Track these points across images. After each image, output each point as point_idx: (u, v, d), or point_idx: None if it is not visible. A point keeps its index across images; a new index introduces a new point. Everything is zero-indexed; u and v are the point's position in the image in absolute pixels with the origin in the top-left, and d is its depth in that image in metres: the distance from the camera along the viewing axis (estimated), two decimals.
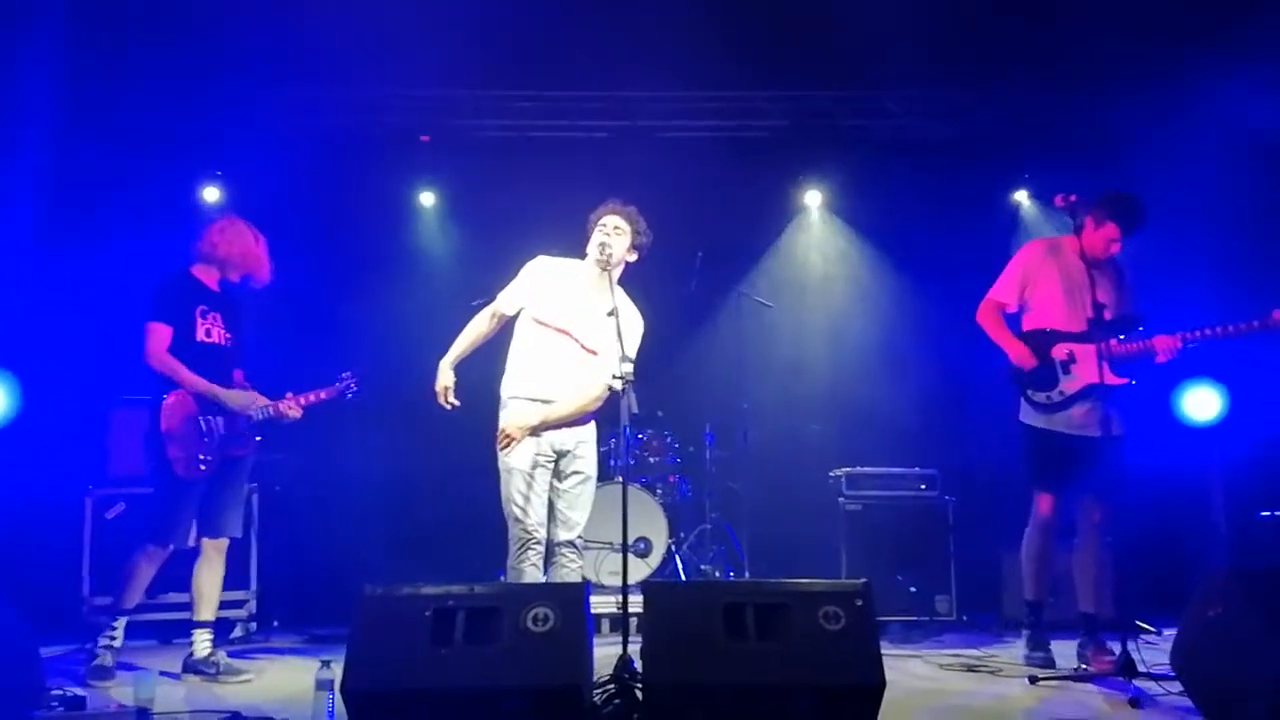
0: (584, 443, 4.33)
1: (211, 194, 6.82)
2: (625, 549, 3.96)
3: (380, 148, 6.92)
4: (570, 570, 4.28)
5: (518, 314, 4.36)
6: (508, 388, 4.30)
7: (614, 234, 4.29)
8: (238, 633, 5.76)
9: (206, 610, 4.66)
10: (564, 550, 4.28)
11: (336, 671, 3.23)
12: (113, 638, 4.53)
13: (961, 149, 6.91)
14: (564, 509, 4.28)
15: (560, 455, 4.28)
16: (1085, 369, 4.62)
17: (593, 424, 4.40)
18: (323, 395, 4.85)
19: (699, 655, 3.14)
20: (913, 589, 5.76)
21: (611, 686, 3.40)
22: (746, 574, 6.23)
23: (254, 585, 5.89)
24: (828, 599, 3.21)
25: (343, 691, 3.10)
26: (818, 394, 7.01)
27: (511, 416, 4.23)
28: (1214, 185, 6.05)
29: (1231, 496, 6.11)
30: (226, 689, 4.39)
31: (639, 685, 3.31)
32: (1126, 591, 4.83)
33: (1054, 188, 4.59)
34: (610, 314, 4.08)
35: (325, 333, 6.41)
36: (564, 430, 4.27)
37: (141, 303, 4.61)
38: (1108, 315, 4.54)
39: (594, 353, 4.26)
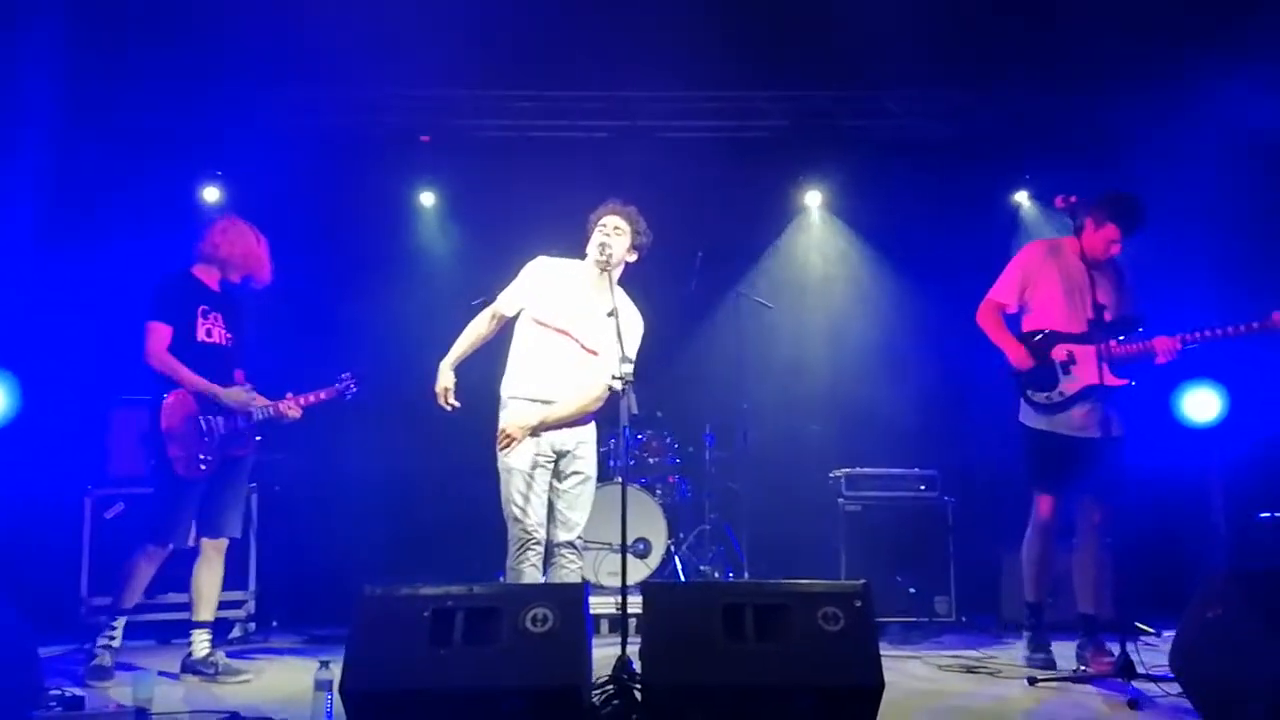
0: (584, 443, 4.33)
1: (212, 194, 6.82)
2: (624, 549, 3.96)
3: (380, 148, 6.92)
4: (569, 571, 4.27)
5: (518, 314, 4.36)
6: (508, 388, 4.29)
7: (614, 234, 4.29)
8: (236, 633, 5.75)
9: (205, 610, 4.66)
10: (563, 551, 4.28)
11: (335, 672, 3.23)
12: (111, 638, 4.53)
13: (961, 149, 6.90)
14: (563, 509, 4.28)
15: (560, 456, 4.27)
16: (1085, 370, 4.62)
17: (593, 424, 4.39)
18: (322, 395, 4.86)
19: (698, 656, 3.14)
20: (912, 590, 5.76)
21: (610, 687, 3.40)
22: (746, 575, 6.22)
23: (253, 585, 5.89)
24: (827, 600, 3.21)
25: (341, 692, 3.10)
26: (817, 394, 7.00)
27: (511, 417, 4.22)
28: (1214, 185, 6.05)
29: (1231, 497, 6.11)
30: (225, 689, 4.39)
31: (638, 686, 3.31)
32: (1126, 593, 4.84)
33: (1054, 188, 4.59)
34: (610, 314, 4.08)
35: (325, 333, 6.42)
36: (564, 431, 4.26)
37: (142, 302, 4.61)
38: (1108, 316, 4.53)
39: (594, 353, 4.26)
